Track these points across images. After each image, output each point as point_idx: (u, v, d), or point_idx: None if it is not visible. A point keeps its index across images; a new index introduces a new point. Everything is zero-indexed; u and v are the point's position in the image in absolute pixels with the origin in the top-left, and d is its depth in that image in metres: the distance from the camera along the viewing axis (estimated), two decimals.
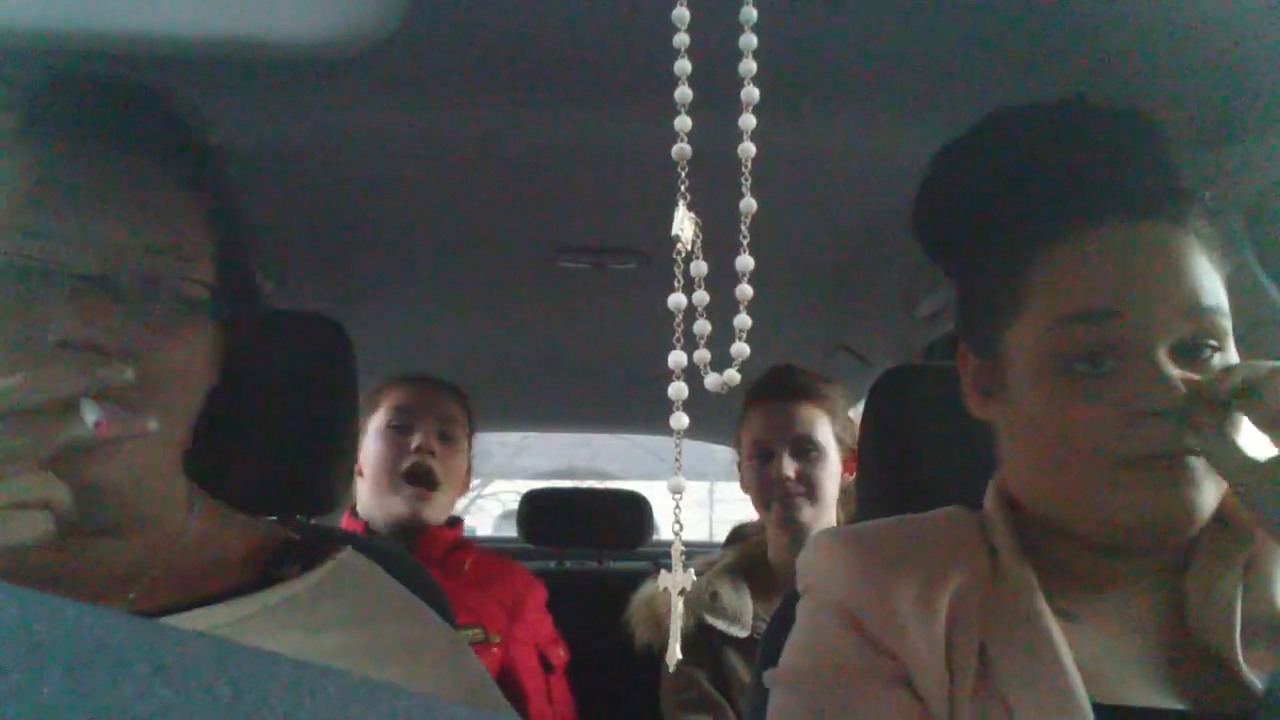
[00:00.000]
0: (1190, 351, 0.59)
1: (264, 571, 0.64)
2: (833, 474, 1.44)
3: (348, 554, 0.67)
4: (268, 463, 0.76)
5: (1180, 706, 0.58)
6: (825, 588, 0.68)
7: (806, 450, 1.42)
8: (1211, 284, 0.60)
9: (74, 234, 0.54)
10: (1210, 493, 0.58)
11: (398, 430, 1.49)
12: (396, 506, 1.45)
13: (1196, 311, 0.59)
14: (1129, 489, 0.58)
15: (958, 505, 0.72)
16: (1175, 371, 0.57)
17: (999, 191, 0.66)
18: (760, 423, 1.46)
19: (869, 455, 0.95)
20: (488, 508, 7.90)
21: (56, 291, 0.53)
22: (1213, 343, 0.59)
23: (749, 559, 1.51)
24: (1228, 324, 0.60)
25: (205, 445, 0.65)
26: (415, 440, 1.47)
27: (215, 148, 0.64)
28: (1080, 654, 0.58)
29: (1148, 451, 0.57)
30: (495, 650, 1.46)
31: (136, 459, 0.56)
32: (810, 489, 1.41)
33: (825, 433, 1.44)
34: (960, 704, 0.59)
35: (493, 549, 1.67)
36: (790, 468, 1.40)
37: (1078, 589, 0.64)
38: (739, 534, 1.66)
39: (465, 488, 1.61)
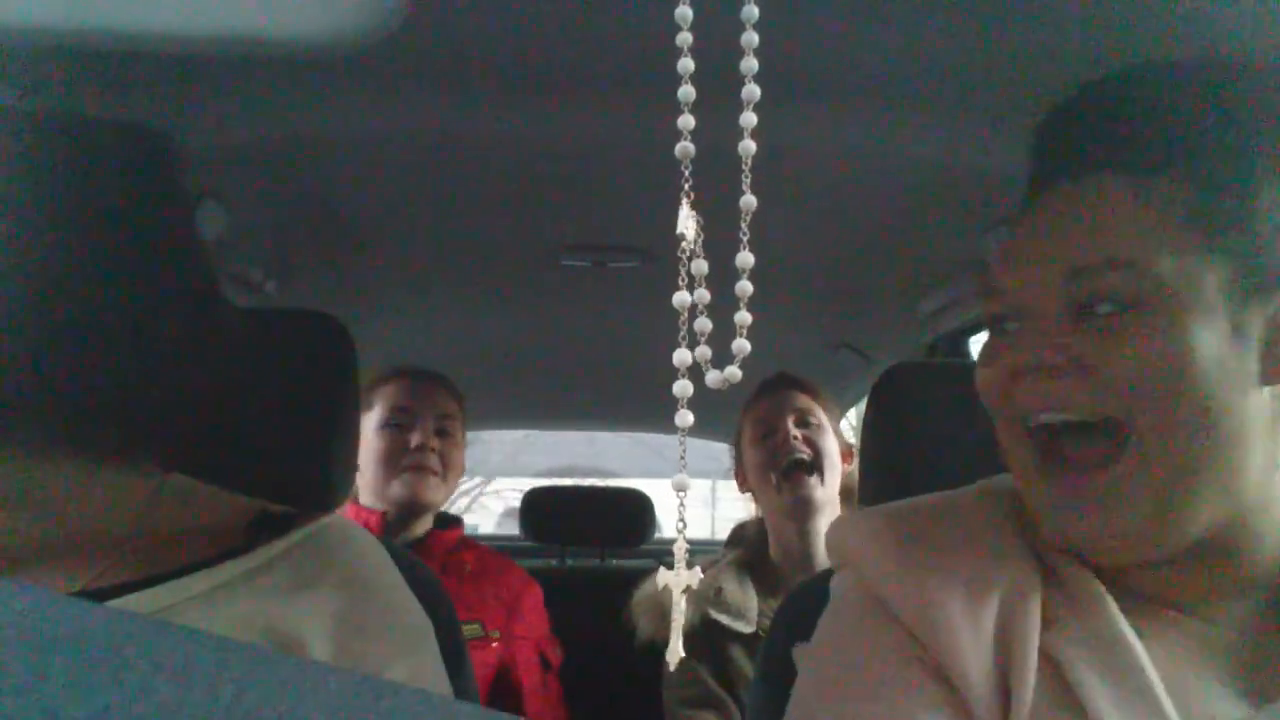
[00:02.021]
0: (1083, 311, 0.53)
1: (240, 544, 0.64)
2: (834, 449, 1.48)
3: (325, 524, 0.68)
4: (269, 460, 0.76)
5: None
6: (860, 569, 0.64)
7: (808, 421, 1.49)
8: (1128, 237, 0.52)
9: None
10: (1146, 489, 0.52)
11: (396, 429, 1.51)
12: (395, 491, 1.48)
13: (1085, 269, 0.53)
14: (1038, 480, 0.56)
15: (992, 479, 0.68)
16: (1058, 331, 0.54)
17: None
18: (762, 408, 1.52)
19: (871, 452, 0.95)
20: (490, 505, 7.91)
21: None
22: (1108, 302, 0.52)
23: (753, 556, 1.52)
24: (1140, 281, 0.52)
25: (206, 441, 0.66)
26: (415, 439, 1.50)
27: None
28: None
29: (1025, 410, 0.55)
30: (495, 645, 1.48)
31: None
32: (817, 457, 1.45)
33: (822, 415, 1.51)
34: (1019, 716, 0.53)
35: (491, 548, 1.70)
36: (796, 431, 1.47)
37: (1141, 605, 0.57)
38: (740, 533, 1.66)
39: (461, 472, 1.64)
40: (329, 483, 0.82)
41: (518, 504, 2.55)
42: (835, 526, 0.69)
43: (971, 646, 0.55)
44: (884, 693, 0.56)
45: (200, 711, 0.21)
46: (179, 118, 0.87)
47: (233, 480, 0.70)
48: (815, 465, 1.44)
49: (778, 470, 1.45)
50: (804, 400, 1.52)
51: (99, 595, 0.57)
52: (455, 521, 1.65)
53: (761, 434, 1.50)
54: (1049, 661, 0.55)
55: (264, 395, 0.72)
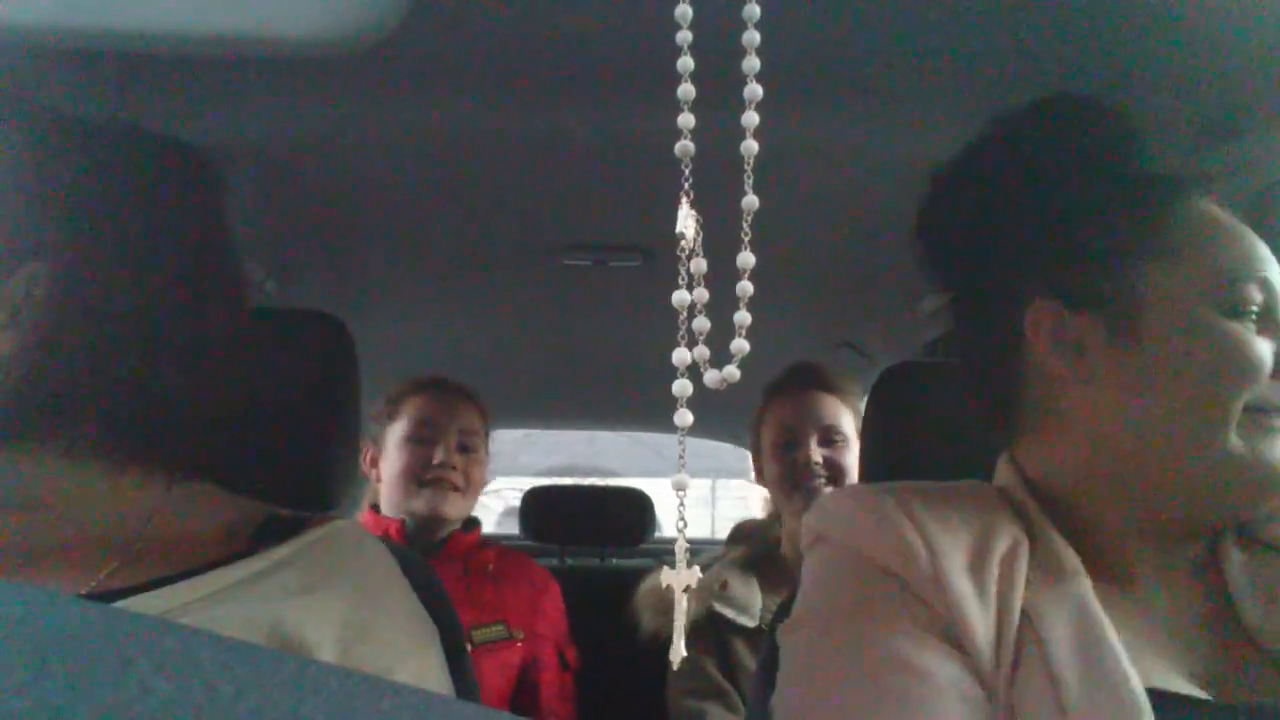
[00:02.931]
0: None
1: (248, 548, 0.64)
2: (855, 465, 1.46)
3: (333, 528, 0.68)
4: (270, 459, 0.76)
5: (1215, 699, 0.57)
6: (846, 538, 0.65)
7: (833, 439, 1.46)
8: None
9: None
10: None
11: (420, 443, 1.52)
12: (417, 505, 1.50)
13: None
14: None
15: (978, 480, 0.71)
16: None
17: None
18: (786, 411, 1.49)
19: (871, 452, 0.95)
20: (490, 504, 7.88)
21: None
22: None
23: (760, 552, 1.52)
24: None
25: (210, 442, 0.66)
26: (438, 455, 1.51)
27: None
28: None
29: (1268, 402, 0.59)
30: (520, 645, 1.48)
31: None
32: (836, 477, 1.44)
33: (849, 424, 1.48)
34: (1003, 672, 0.57)
35: (511, 546, 1.70)
36: (819, 453, 1.44)
37: (1101, 578, 0.62)
38: (741, 531, 1.66)
39: (482, 487, 1.65)
40: (329, 482, 0.82)
41: (518, 503, 2.55)
42: (814, 511, 0.69)
43: (977, 612, 0.58)
44: (879, 620, 0.59)
45: (200, 711, 0.21)
46: (179, 117, 0.87)
47: (233, 479, 0.70)
48: (835, 482, 1.44)
49: (796, 484, 1.45)
50: (830, 407, 1.47)
51: (107, 597, 0.57)
52: (474, 523, 1.66)
53: (783, 442, 1.47)
54: (1030, 623, 0.58)
55: (265, 395, 0.72)
